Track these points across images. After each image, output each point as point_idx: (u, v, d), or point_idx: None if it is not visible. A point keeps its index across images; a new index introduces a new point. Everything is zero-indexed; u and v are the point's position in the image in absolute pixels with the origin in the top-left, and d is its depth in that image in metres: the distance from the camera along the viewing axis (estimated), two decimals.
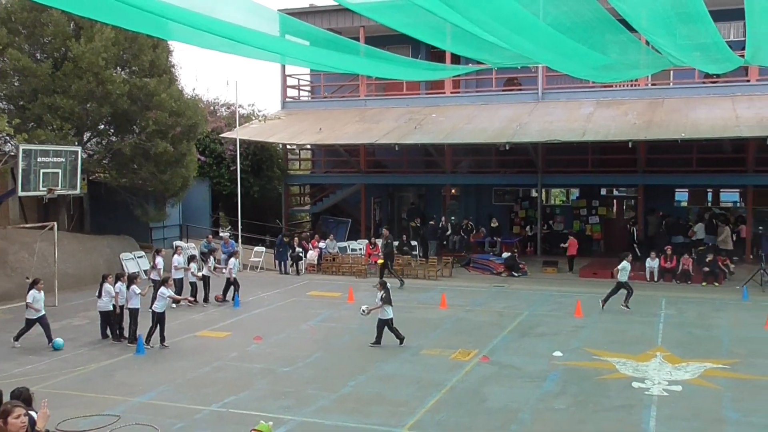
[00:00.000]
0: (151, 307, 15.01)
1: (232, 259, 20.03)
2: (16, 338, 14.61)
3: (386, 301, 14.48)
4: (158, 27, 12.21)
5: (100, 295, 15.25)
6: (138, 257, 24.29)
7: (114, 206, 25.58)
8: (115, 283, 15.30)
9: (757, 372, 12.71)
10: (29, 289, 14.60)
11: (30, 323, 14.52)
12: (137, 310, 14.91)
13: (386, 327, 14.58)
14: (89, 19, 19.43)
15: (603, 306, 18.33)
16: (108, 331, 15.35)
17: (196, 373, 12.78)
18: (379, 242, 26.07)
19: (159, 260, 19.00)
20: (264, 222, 31.78)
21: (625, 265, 18.23)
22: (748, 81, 26.13)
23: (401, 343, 14.60)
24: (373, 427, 10.13)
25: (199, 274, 19.56)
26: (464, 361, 13.47)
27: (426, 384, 12.04)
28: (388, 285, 15.03)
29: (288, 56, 17.35)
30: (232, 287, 19.56)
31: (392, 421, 10.29)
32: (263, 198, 32.32)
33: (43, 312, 14.57)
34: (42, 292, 14.66)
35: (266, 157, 31.85)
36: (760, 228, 22.93)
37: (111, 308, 15.24)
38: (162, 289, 14.89)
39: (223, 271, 20.05)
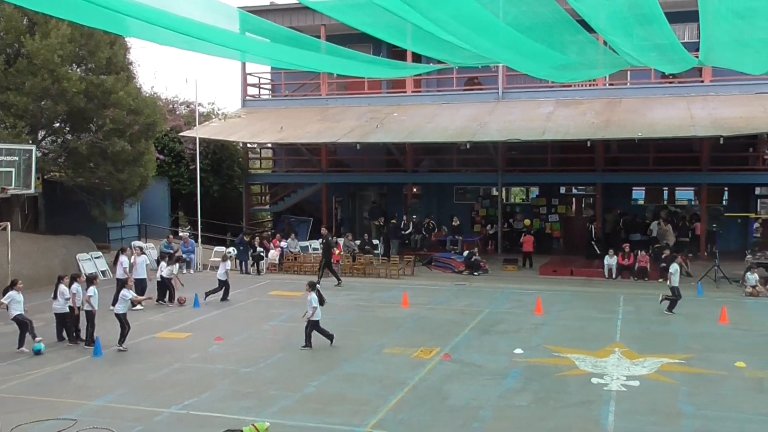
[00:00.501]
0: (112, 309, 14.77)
1: (228, 263, 20.21)
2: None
3: (319, 302, 14.33)
4: (115, 23, 12.02)
5: (55, 297, 14.94)
6: (95, 258, 23.84)
7: (70, 206, 25.07)
8: (71, 284, 15.00)
9: (711, 366, 12.97)
10: (5, 292, 14.44)
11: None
12: (94, 311, 14.64)
13: (315, 329, 14.35)
14: (44, 14, 19.04)
15: (672, 312, 17.55)
16: (64, 333, 15.04)
17: (155, 375, 12.59)
18: (341, 241, 26.05)
19: (123, 259, 18.67)
20: (224, 221, 31.48)
21: (676, 268, 17.71)
22: (702, 82, 26.69)
23: (332, 342, 14.41)
24: (336, 426, 10.09)
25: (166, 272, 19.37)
26: (426, 360, 13.51)
27: (388, 383, 12.04)
28: (318, 285, 14.84)
29: (248, 53, 17.24)
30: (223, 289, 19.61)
31: (355, 421, 10.27)
32: (223, 197, 32.02)
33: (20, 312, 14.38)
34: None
35: (226, 156, 31.56)
36: (714, 225, 23.40)
37: (67, 310, 14.93)
38: (123, 291, 14.67)
39: (180, 283, 19.66)
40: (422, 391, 11.68)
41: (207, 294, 19.40)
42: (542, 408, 10.87)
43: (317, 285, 15.00)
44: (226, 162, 31.56)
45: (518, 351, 14.00)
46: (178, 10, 10.73)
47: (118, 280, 17.72)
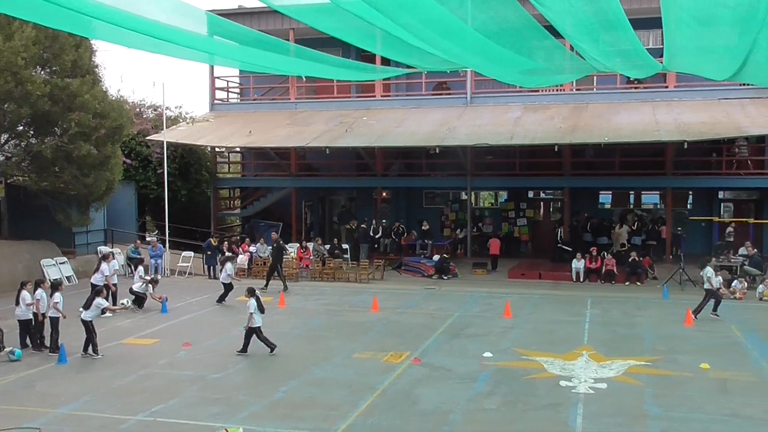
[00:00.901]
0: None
1: (228, 264, 20.21)
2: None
3: (259, 308, 14.12)
4: (80, 25, 11.85)
5: (17, 303, 14.66)
6: (60, 263, 23.46)
7: (34, 210, 24.60)
8: (35, 290, 14.73)
9: (676, 368, 13.17)
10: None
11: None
12: (58, 318, 14.40)
13: (255, 335, 14.13)
14: (7, 16, 18.69)
15: (695, 317, 17.26)
16: (28, 340, 14.76)
17: (122, 382, 12.42)
18: (311, 246, 25.97)
19: (105, 267, 18.40)
20: (192, 226, 31.18)
21: (709, 271, 17.33)
22: (667, 87, 27.14)
23: (272, 351, 14.10)
24: (306, 431, 10.05)
25: (148, 278, 19.48)
26: (396, 364, 13.51)
27: (358, 387, 12.02)
28: (257, 292, 14.66)
29: (216, 56, 17.10)
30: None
31: (324, 426, 10.23)
32: (191, 202, 31.71)
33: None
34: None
35: (194, 160, 31.29)
36: (679, 229, 23.81)
37: (30, 316, 14.65)
38: (98, 300, 14.47)
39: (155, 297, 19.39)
40: (392, 395, 11.68)
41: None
42: (511, 411, 10.94)
43: (257, 291, 14.68)
44: (194, 166, 31.29)
45: (487, 354, 14.07)
46: (144, 12, 10.61)
47: (93, 285, 17.56)
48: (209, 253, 24.80)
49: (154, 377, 12.72)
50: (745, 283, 21.01)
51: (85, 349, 14.13)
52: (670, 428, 10.15)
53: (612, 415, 10.68)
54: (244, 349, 14.16)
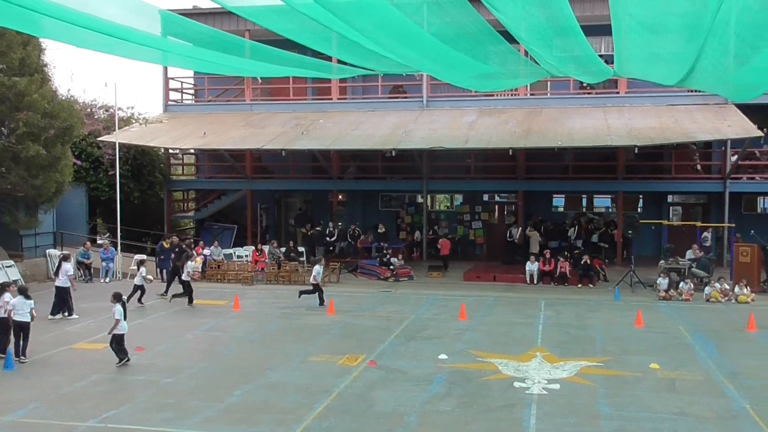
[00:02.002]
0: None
1: (190, 263, 20.04)
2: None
3: (123, 315, 13.61)
4: (28, 22, 11.58)
5: None
6: (7, 267, 22.82)
7: None
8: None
9: (627, 369, 13.41)
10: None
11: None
12: (6, 319, 13.98)
13: (117, 343, 13.53)
14: None
15: None
16: None
17: (71, 388, 12.14)
18: (266, 248, 25.78)
19: (68, 266, 17.90)
20: (145, 228, 30.69)
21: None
22: (618, 93, 27.69)
23: (120, 363, 13.39)
24: None
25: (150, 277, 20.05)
26: (352, 367, 13.49)
27: (314, 391, 11.97)
28: (124, 298, 14.22)
29: (170, 56, 16.90)
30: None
31: (280, 430, 10.15)
32: (144, 204, 31.20)
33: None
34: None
35: (147, 162, 30.78)
36: (630, 232, 24.28)
37: None
38: (25, 301, 13.99)
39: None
40: (348, 398, 11.65)
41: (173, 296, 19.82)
42: (466, 412, 11.01)
43: (124, 298, 14.19)
44: (147, 168, 30.78)
45: (443, 356, 14.14)
46: (96, 10, 10.42)
47: (58, 288, 17.48)
48: (162, 257, 24.41)
49: (105, 383, 12.47)
50: (692, 285, 21.54)
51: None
52: (621, 428, 10.33)
53: (565, 415, 10.82)
54: (123, 357, 13.48)
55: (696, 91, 25.52)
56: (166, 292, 20.64)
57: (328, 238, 27.59)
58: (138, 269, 20.29)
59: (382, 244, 27.68)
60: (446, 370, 13.28)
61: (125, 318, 13.73)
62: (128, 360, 13.53)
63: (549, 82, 28.28)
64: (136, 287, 19.73)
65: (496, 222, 30.98)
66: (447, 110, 28.27)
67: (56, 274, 18.39)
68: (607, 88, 27.96)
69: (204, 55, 16.07)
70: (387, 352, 14.63)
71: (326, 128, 27.21)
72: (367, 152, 27.67)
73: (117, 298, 13.85)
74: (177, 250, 22.29)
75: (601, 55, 15.68)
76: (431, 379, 12.74)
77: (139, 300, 19.68)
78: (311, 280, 19.98)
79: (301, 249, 27.35)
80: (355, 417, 10.76)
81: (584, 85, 27.93)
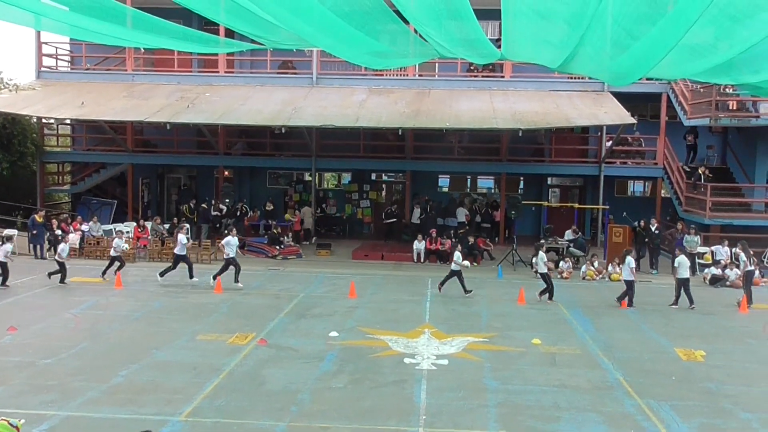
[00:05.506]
0: None
1: (63, 245, 19.09)
2: None
3: None
4: None
5: None
6: None
7: None
8: None
9: (511, 344, 13.94)
10: None
11: None
12: None
13: None
14: None
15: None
16: None
17: None
18: (149, 225, 24.89)
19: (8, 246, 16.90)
20: (16, 202, 28.87)
21: (630, 260, 17.86)
22: (503, 77, 28.43)
23: None
24: (148, 417, 9.62)
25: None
26: (242, 345, 13.30)
27: (203, 370, 11.72)
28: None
29: (44, 19, 15.82)
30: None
31: (168, 410, 9.88)
32: (14, 176, 29.31)
33: None
34: None
35: (18, 131, 28.80)
36: (513, 212, 25.10)
37: None
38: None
39: None
40: (239, 376, 11.49)
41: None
42: (358, 389, 11.11)
43: None
44: (18, 137, 28.82)
45: (333, 334, 14.18)
46: None
47: None
48: (34, 231, 23.08)
49: None
50: (570, 264, 22.58)
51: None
52: (506, 400, 10.73)
53: (454, 389, 11.12)
54: None
55: (576, 77, 26.59)
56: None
57: (213, 214, 26.93)
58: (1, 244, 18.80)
59: (270, 221, 27.35)
60: (337, 348, 13.33)
61: None
62: None
63: (437, 64, 28.67)
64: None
65: (384, 201, 31.27)
66: (337, 88, 28.11)
67: None
68: (492, 72, 28.68)
69: (82, 23, 15.15)
70: (277, 330, 14.52)
71: (213, 102, 26.45)
72: (255, 128, 27.14)
73: None
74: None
75: (491, 39, 15.98)
76: (323, 356, 12.75)
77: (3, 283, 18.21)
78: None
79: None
80: (247, 395, 10.63)
81: (471, 67, 28.52)
